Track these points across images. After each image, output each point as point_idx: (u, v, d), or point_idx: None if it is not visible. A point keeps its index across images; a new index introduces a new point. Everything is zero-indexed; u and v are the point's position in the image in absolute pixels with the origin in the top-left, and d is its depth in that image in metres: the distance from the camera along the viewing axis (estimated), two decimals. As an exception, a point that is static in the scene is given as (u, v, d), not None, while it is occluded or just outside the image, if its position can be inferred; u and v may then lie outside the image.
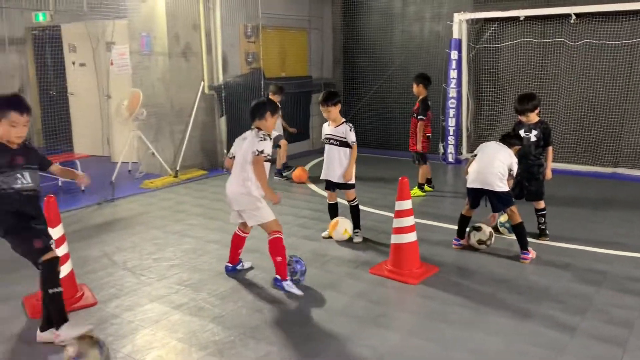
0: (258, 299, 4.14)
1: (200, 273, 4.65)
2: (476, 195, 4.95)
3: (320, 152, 4.86)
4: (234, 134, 8.85)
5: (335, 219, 5.46)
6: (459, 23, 9.08)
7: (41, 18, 10.29)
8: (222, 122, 9.07)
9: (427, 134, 7.08)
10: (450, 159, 9.40)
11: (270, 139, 4.29)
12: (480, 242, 5.06)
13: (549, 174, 5.39)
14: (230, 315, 3.87)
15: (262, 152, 4.13)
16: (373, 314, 3.88)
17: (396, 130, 10.15)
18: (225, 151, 8.99)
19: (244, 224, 4.44)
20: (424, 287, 4.35)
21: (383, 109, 10.53)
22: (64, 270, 3.96)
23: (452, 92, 9.25)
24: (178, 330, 3.66)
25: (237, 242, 4.54)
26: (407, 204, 4.53)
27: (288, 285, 4.19)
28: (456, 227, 5.22)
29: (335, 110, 5.25)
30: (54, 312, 3.42)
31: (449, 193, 7.42)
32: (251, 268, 4.69)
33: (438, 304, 4.04)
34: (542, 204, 5.42)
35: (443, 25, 9.66)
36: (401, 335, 3.60)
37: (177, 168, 8.42)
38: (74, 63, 10.30)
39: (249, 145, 4.21)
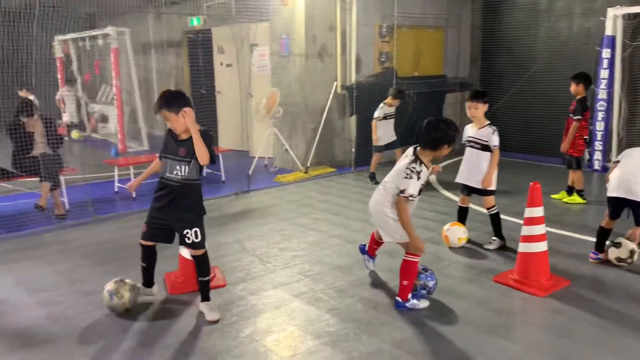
0: (375, 296, 4.18)
1: (321, 265, 4.81)
2: (618, 205, 4.52)
3: (454, 153, 4.66)
4: (363, 133, 9.06)
5: (447, 227, 5.26)
6: (614, 18, 8.29)
7: (195, 22, 11.29)
8: (352, 122, 9.23)
9: (585, 137, 6.66)
10: (597, 166, 8.63)
11: (420, 177, 3.78)
12: (619, 260, 4.60)
13: None
14: (345, 309, 3.96)
15: (403, 191, 3.76)
16: (492, 323, 3.73)
17: (537, 133, 9.55)
18: (353, 150, 9.16)
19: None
20: (552, 300, 4.07)
21: (523, 110, 9.96)
22: (200, 252, 4.33)
23: (602, 94, 8.47)
24: (296, 318, 3.83)
25: (375, 241, 4.51)
26: (538, 211, 4.27)
27: (411, 304, 3.92)
28: (595, 240, 4.80)
29: (483, 109, 5.03)
30: None
31: (593, 203, 6.83)
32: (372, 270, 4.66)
33: (566, 320, 3.77)
34: None
35: (594, 22, 8.88)
36: (522, 348, 3.42)
37: (308, 164, 8.75)
38: (221, 64, 11.15)
39: (399, 172, 3.87)
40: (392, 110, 7.95)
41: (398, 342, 3.50)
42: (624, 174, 4.46)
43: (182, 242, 3.89)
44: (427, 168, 3.86)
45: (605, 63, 8.39)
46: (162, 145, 3.90)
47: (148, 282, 4.16)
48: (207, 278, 3.92)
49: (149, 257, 4.10)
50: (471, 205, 5.49)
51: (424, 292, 4.02)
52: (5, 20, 9.65)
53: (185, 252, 4.34)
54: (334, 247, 5.25)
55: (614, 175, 4.58)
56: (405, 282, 3.90)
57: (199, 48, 11.78)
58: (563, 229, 5.72)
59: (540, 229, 4.28)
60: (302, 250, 5.22)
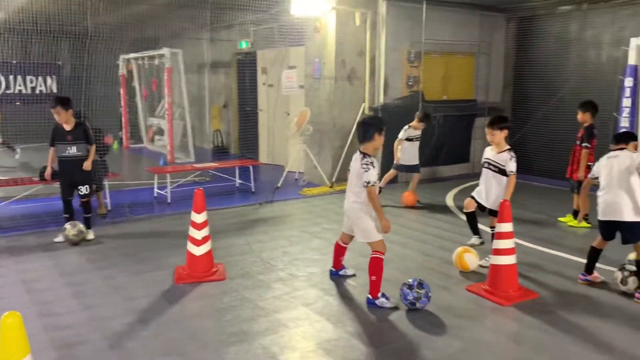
0: (349, 293, 4.65)
1: (315, 268, 5.32)
2: (607, 227, 4.76)
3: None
4: (387, 152, 9.52)
5: (458, 255, 5.32)
6: (637, 48, 8.38)
7: (244, 45, 12.21)
8: (379, 141, 9.70)
9: (589, 163, 6.82)
10: (619, 193, 8.65)
11: (374, 166, 4.36)
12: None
13: None
14: (321, 304, 4.46)
15: (368, 182, 4.32)
16: (449, 324, 4.12)
17: (564, 158, 9.66)
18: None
19: (346, 236, 4.88)
20: (514, 309, 4.40)
21: (551, 135, 10.10)
22: (203, 249, 4.98)
23: (624, 122, 8.54)
24: (279, 310, 4.37)
25: (339, 251, 5.02)
26: (506, 227, 4.61)
27: (380, 302, 4.38)
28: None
29: (500, 135, 5.17)
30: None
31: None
32: (353, 275, 5.10)
33: (518, 325, 4.12)
34: None
35: (622, 51, 8.98)
36: (465, 345, 3.80)
37: (334, 180, 9.29)
38: (264, 84, 11.96)
39: (358, 173, 4.42)
40: (417, 133, 8.19)
41: (357, 333, 3.96)
42: (609, 195, 4.68)
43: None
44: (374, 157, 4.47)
45: (627, 92, 8.47)
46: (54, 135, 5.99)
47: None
48: (90, 215, 6.24)
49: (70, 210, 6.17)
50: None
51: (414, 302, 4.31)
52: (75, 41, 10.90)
53: (192, 248, 4.98)
54: (331, 254, 5.74)
55: (600, 200, 4.79)
56: (373, 278, 4.40)
57: (246, 69, 12.66)
58: (558, 250, 5.96)
59: (509, 243, 4.61)
60: (302, 254, 5.76)
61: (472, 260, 5.24)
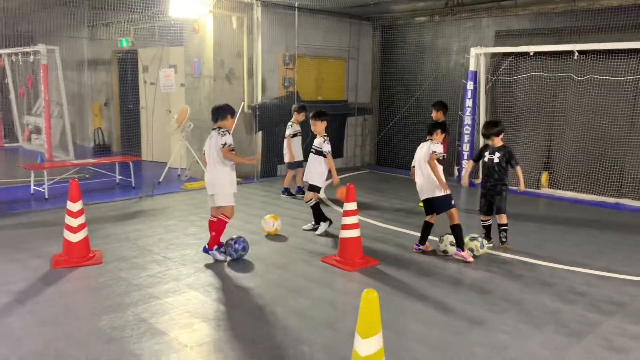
0: (216, 267, 5.26)
1: (186, 250, 5.85)
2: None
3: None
4: (268, 146, 10.23)
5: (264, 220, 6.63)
6: (476, 56, 9.80)
7: (125, 44, 12.29)
8: (258, 137, 10.37)
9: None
10: (465, 181, 10.03)
11: (229, 133, 5.45)
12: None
13: (521, 187, 6.08)
14: (193, 278, 5.03)
15: (225, 144, 5.33)
16: (299, 286, 4.87)
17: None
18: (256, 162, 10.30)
19: (214, 210, 5.57)
20: (357, 273, 5.26)
21: (413, 131, 11.36)
22: (80, 236, 5.32)
23: (467, 120, 9.93)
24: (151, 285, 4.86)
25: (211, 226, 5.64)
26: (351, 205, 5.46)
27: (212, 253, 5.51)
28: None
29: (320, 125, 6.51)
30: None
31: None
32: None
33: (354, 283, 4.98)
34: (504, 219, 6.09)
35: (466, 59, 10.40)
36: (311, 303, 4.55)
37: (215, 174, 9.79)
38: (145, 82, 12.14)
39: (215, 141, 5.41)
40: (299, 128, 8.85)
41: (220, 298, 4.58)
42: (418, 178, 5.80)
43: None
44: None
45: (469, 94, 9.86)
46: None
47: None
48: None
49: None
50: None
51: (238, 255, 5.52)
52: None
53: (69, 235, 5.30)
54: (206, 239, 6.29)
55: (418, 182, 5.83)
56: (213, 234, 5.41)
57: (128, 66, 12.72)
58: (402, 227, 6.97)
59: (354, 219, 5.47)
60: (177, 240, 6.26)
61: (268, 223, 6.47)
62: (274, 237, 6.48)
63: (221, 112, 5.51)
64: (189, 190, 9.19)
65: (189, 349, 3.74)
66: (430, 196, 5.69)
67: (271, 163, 10.64)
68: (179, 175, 10.38)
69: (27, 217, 7.18)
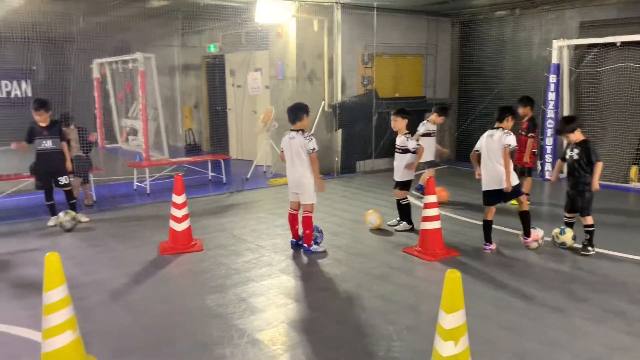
0: (300, 254, 5.68)
1: (278, 240, 6.32)
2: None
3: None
4: (347, 143, 10.59)
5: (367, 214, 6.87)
6: (559, 49, 9.62)
7: (213, 49, 13.10)
8: (338, 135, 10.76)
9: (534, 150, 7.69)
10: (548, 175, 9.89)
11: (312, 135, 5.78)
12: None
13: (595, 185, 5.69)
14: (278, 263, 5.47)
15: (313, 149, 5.65)
16: (382, 273, 5.18)
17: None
18: (336, 159, 10.68)
19: (294, 204, 5.94)
20: (438, 263, 5.49)
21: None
22: (184, 226, 5.92)
23: (550, 114, 9.77)
24: (247, 270, 5.35)
25: (292, 220, 6.02)
26: (431, 198, 5.69)
27: (314, 248, 5.78)
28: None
29: (401, 122, 6.64)
30: None
31: (536, 204, 7.95)
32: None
33: (435, 272, 5.20)
34: (588, 220, 5.69)
35: (548, 51, 10.22)
36: (394, 287, 4.85)
37: (298, 171, 10.28)
38: (232, 85, 12.88)
39: (298, 143, 5.70)
40: (434, 128, 8.39)
41: (312, 282, 4.97)
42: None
43: (57, 184, 6.95)
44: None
45: (552, 87, 9.71)
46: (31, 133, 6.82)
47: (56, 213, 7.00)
48: (74, 201, 7.13)
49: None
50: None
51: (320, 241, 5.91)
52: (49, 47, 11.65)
53: (174, 225, 5.92)
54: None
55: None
56: (307, 232, 5.69)
57: (216, 71, 13.54)
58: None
59: (434, 211, 5.69)
60: (268, 230, 6.76)
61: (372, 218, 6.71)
62: (355, 228, 6.82)
63: (297, 113, 5.77)
64: (275, 185, 9.73)
65: (285, 325, 4.16)
66: (496, 187, 5.70)
67: (351, 159, 10.98)
68: (264, 172, 10.97)
69: (133, 210, 7.98)
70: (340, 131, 10.77)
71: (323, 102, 10.59)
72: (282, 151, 5.98)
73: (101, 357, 3.57)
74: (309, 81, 10.45)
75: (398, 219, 6.82)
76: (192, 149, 14.04)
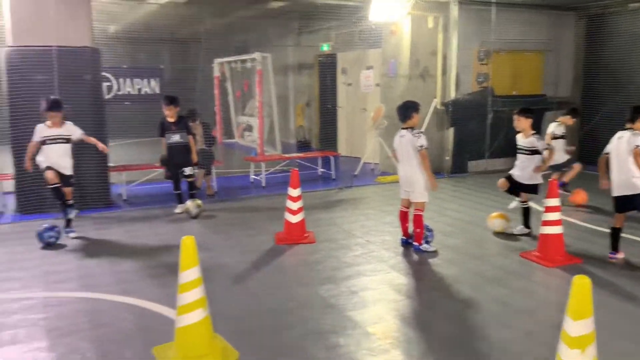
0: (410, 252, 5.66)
1: (387, 237, 6.36)
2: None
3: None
4: (459, 142, 10.36)
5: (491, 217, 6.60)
6: None
7: (325, 48, 13.41)
8: (450, 134, 10.55)
9: None
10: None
11: (423, 133, 5.67)
12: None
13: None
14: (390, 260, 5.51)
15: (422, 147, 5.58)
16: (498, 277, 5.03)
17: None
18: (447, 158, 10.48)
19: (405, 201, 5.93)
20: (557, 270, 5.22)
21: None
22: (298, 218, 6.16)
23: (691, 114, 8.84)
24: (358, 264, 5.46)
25: (403, 217, 6.00)
26: (553, 202, 5.42)
27: (424, 247, 5.74)
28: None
29: (525, 122, 6.29)
30: None
31: None
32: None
33: (555, 279, 4.96)
34: None
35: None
36: (509, 291, 4.70)
37: (407, 169, 10.24)
38: (343, 83, 13.08)
39: (409, 141, 5.66)
40: (565, 131, 8.03)
41: (422, 280, 4.96)
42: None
43: (182, 175, 7.50)
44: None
45: (694, 84, 8.79)
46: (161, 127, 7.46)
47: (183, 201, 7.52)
48: (195, 192, 7.61)
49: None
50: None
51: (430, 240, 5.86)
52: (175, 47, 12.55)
53: (289, 217, 6.17)
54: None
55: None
56: (418, 230, 5.65)
57: (327, 69, 13.83)
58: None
59: (555, 216, 5.42)
60: (377, 227, 6.82)
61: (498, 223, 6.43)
62: (468, 229, 6.68)
63: (407, 111, 5.74)
64: (383, 183, 9.77)
65: (397, 320, 4.20)
66: (627, 193, 5.27)
67: (462, 159, 10.72)
68: (372, 169, 11.04)
69: (250, 201, 8.42)
70: (452, 130, 10.55)
71: (435, 99, 10.43)
72: (394, 150, 5.99)
73: (224, 337, 3.83)
74: (422, 78, 10.35)
75: (522, 226, 6.44)
76: (302, 145, 14.47)
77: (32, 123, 6.53)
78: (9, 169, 7.70)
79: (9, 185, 7.86)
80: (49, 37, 7.25)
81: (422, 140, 5.59)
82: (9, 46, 7.34)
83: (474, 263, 5.47)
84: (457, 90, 10.48)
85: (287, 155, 10.63)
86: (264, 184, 9.38)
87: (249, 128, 15.59)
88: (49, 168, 6.27)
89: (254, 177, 9.79)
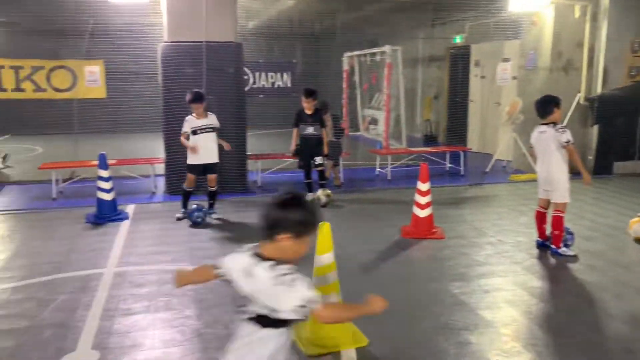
0: (546, 255, 5.36)
1: (522, 238, 6.09)
2: None
3: None
4: (604, 141, 9.56)
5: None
6: None
7: (458, 40, 13.06)
8: (594, 131, 9.77)
9: None
10: None
11: (567, 129, 5.36)
12: None
13: None
14: (529, 263, 5.27)
15: (568, 142, 5.28)
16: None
17: None
18: (590, 157, 9.72)
19: (543, 201, 5.59)
20: None
21: None
22: (426, 212, 6.11)
23: None
24: (489, 263, 5.30)
25: (540, 218, 5.68)
26: None
27: (562, 251, 5.37)
28: None
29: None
30: None
31: None
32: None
33: None
34: None
35: None
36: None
37: (543, 168, 9.66)
38: (476, 76, 12.64)
39: (550, 136, 5.34)
40: None
41: (558, 283, 4.70)
42: None
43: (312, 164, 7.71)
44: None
45: None
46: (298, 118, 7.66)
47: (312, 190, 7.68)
48: (325, 182, 7.78)
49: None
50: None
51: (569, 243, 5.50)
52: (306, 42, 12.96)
53: (417, 211, 6.15)
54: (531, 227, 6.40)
55: None
56: (556, 232, 5.32)
57: (459, 62, 13.45)
58: None
59: None
60: (510, 227, 6.55)
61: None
62: (612, 235, 6.18)
63: (546, 106, 5.45)
64: (517, 182, 9.32)
65: (532, 324, 4.02)
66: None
67: (607, 159, 9.88)
68: (504, 167, 10.57)
69: (375, 193, 8.50)
70: (596, 127, 9.76)
71: (579, 94, 9.71)
72: (532, 147, 5.69)
73: (353, 324, 3.94)
74: (564, 72, 9.68)
75: None
76: (429, 139, 14.24)
77: (182, 113, 7.13)
78: (161, 153, 8.52)
79: (161, 168, 8.67)
80: (199, 33, 7.88)
81: (568, 135, 5.30)
82: (165, 42, 8.09)
83: (618, 271, 5.06)
84: (604, 85, 9.66)
85: (412, 149, 10.54)
86: (389, 177, 9.41)
87: (374, 121, 15.69)
88: (192, 169, 6.73)
89: (379, 169, 9.85)
